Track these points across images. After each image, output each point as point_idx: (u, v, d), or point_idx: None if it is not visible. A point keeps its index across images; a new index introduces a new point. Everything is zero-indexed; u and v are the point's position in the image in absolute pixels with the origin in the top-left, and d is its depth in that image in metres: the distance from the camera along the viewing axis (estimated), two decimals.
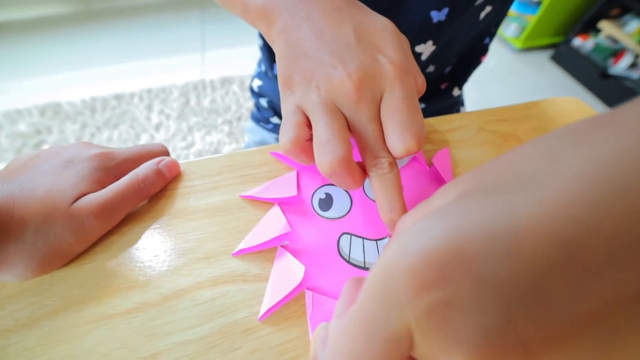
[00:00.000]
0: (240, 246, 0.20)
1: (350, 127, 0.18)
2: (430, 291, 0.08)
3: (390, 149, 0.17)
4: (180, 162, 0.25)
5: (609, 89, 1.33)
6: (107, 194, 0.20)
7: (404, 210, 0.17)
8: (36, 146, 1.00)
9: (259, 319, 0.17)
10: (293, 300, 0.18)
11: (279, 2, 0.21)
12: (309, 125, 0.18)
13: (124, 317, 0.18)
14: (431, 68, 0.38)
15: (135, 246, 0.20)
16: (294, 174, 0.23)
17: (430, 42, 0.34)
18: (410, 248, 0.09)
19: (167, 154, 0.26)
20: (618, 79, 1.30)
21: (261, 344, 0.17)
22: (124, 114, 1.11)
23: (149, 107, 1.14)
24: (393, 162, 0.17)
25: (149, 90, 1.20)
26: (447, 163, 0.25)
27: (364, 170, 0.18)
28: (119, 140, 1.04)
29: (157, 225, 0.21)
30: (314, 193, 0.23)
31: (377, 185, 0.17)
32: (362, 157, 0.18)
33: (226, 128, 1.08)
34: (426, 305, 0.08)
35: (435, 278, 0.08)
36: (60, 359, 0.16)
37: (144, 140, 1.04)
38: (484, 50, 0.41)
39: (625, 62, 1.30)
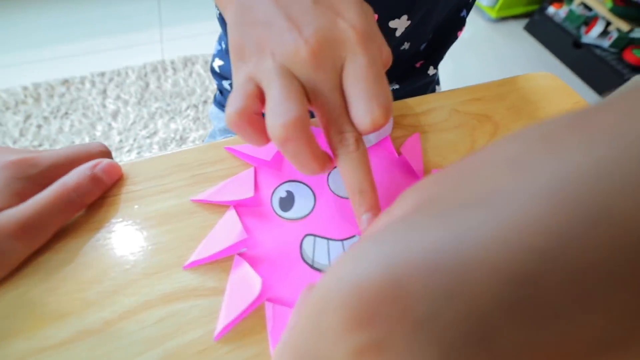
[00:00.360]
0: (193, 257, 0.18)
1: (309, 99, 0.16)
2: (361, 331, 0.07)
3: (355, 122, 0.16)
4: (122, 164, 0.22)
5: (581, 58, 1.35)
6: (29, 209, 0.17)
7: (375, 191, 0.16)
8: None
9: (215, 337, 0.16)
10: (252, 314, 0.17)
11: None
12: (261, 99, 0.16)
13: (59, 349, 0.16)
14: (406, 45, 0.36)
15: (71, 266, 0.18)
16: (251, 171, 0.21)
17: (405, 17, 0.32)
18: (344, 278, 0.07)
19: (107, 154, 0.22)
20: (590, 47, 1.33)
21: None
22: (75, 102, 1.01)
23: (103, 93, 1.04)
24: (359, 138, 0.16)
25: (102, 74, 1.09)
26: (417, 151, 0.24)
27: (330, 159, 0.17)
28: (70, 131, 0.94)
29: (97, 239, 0.19)
30: (273, 191, 0.21)
31: (343, 166, 0.16)
32: (325, 134, 0.17)
33: (192, 113, 1.01)
34: (356, 346, 0.07)
35: (368, 317, 0.07)
36: None
37: (100, 130, 0.96)
38: (460, 23, 0.39)
39: (597, 30, 1.32)
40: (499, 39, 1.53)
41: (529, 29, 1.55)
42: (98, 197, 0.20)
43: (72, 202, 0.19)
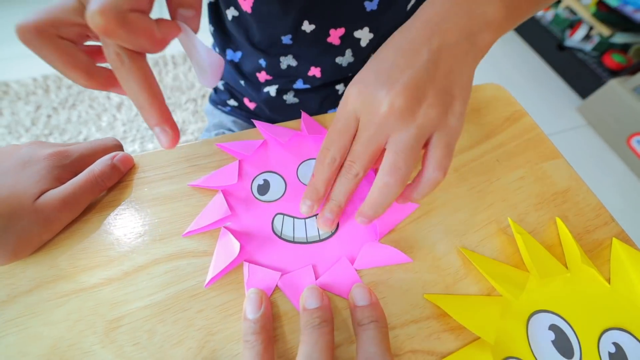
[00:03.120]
0: (189, 228, 0.24)
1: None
2: None
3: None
4: (134, 155, 0.27)
5: (564, 60, 1.41)
6: (67, 190, 0.23)
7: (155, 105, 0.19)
8: None
9: (205, 285, 0.22)
10: (233, 271, 0.23)
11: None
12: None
13: (91, 290, 0.21)
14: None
15: (98, 232, 0.24)
16: (236, 163, 0.27)
17: (367, 29, 0.37)
18: None
19: (120, 147, 0.28)
20: (572, 50, 1.38)
21: (206, 305, 0.21)
22: (81, 93, 1.06)
23: None
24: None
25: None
26: None
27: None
28: (78, 121, 1.00)
29: (116, 213, 0.25)
30: (253, 179, 0.26)
31: (120, 80, 0.19)
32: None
33: (191, 106, 1.06)
34: None
35: None
36: (39, 326, 0.20)
37: (105, 120, 1.01)
38: None
39: (580, 33, 1.37)
40: None
41: (517, 29, 1.59)
42: (116, 181, 0.26)
43: (97, 185, 0.24)
